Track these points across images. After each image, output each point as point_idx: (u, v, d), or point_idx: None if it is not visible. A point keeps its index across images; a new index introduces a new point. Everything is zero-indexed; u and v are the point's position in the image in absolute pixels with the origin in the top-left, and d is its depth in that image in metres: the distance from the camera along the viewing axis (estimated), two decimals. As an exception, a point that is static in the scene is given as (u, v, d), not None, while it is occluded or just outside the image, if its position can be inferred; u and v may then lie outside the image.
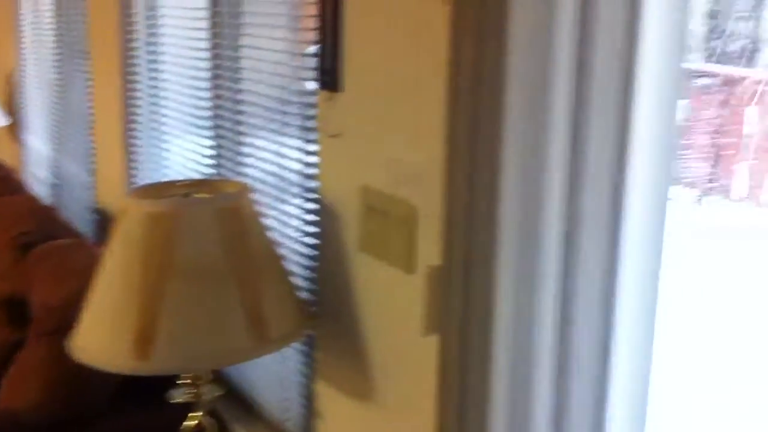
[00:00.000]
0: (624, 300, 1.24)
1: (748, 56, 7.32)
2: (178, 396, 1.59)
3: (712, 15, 7.45)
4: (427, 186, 1.33)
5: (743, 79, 6.08)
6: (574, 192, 1.20)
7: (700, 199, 5.90)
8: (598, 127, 1.18)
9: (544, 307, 1.24)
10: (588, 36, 1.14)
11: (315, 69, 1.60)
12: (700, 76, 6.25)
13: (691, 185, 5.98)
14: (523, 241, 1.20)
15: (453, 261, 1.26)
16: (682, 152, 6.09)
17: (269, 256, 1.59)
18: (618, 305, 1.24)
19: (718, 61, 7.31)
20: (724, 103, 6.00)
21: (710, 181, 5.95)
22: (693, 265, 4.48)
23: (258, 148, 1.91)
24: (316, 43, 1.59)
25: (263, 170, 1.88)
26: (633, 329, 1.25)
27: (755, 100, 5.86)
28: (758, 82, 5.96)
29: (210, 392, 1.61)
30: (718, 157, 5.99)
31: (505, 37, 1.10)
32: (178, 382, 1.59)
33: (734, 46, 7.52)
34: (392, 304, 1.49)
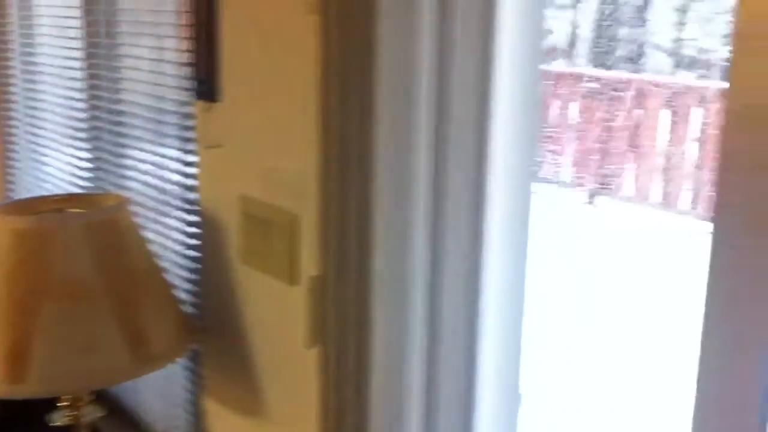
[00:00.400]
0: (490, 299, 1.26)
1: (635, 60, 7.59)
2: (58, 419, 1.55)
3: (599, 21, 7.70)
4: (306, 195, 1.32)
5: (630, 82, 6.30)
6: (438, 195, 1.22)
7: (590, 200, 6.08)
8: (459, 130, 1.20)
9: (414, 312, 1.25)
10: (447, 41, 1.16)
11: (192, 79, 1.57)
12: (587, 81, 6.46)
13: (580, 186, 6.16)
14: (393, 245, 1.21)
15: (329, 271, 1.25)
16: (573, 154, 6.27)
17: (149, 270, 1.55)
18: (483, 304, 1.27)
19: (605, 66, 7.56)
20: (611, 107, 6.20)
21: (599, 182, 6.14)
22: (583, 263, 4.61)
23: (138, 160, 1.87)
24: (191, 53, 1.56)
25: (144, 182, 1.84)
26: (499, 328, 1.28)
27: (641, 103, 6.07)
28: (644, 85, 6.17)
29: (91, 413, 1.57)
30: (605, 159, 6.18)
31: (372, 45, 1.11)
32: (57, 404, 1.54)
33: (621, 51, 7.79)
34: (276, 316, 1.48)
